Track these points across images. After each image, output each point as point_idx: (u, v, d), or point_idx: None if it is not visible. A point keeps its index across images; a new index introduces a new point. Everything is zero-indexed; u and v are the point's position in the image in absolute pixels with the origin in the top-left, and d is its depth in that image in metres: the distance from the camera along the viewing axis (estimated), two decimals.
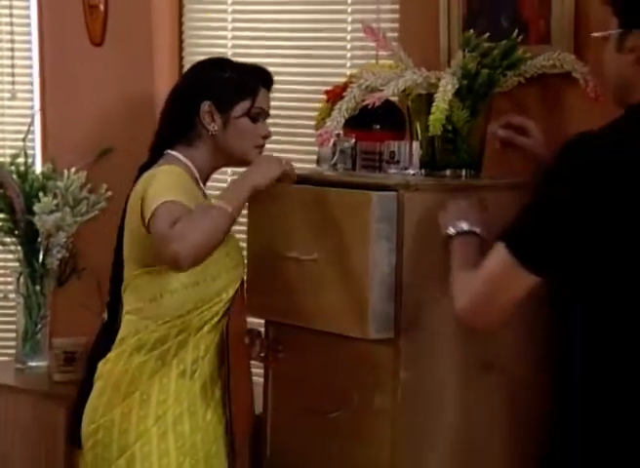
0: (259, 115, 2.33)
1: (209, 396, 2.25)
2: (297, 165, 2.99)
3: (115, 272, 2.33)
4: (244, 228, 2.44)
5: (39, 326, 3.32)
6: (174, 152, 2.30)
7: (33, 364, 3.33)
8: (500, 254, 1.83)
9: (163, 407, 2.19)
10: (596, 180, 1.73)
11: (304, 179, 2.42)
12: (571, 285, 1.83)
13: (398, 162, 2.34)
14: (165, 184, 2.17)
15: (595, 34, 1.99)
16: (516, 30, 2.46)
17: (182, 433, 2.20)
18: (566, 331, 1.90)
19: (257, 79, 2.34)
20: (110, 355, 2.26)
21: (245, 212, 2.38)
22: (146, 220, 2.13)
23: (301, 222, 2.33)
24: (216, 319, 2.24)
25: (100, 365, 2.27)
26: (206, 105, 2.27)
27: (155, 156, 2.32)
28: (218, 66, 2.34)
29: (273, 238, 2.39)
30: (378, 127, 2.51)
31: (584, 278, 1.81)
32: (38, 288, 3.30)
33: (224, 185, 2.62)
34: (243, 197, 2.19)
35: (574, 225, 1.76)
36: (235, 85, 2.30)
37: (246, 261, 2.41)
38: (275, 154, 3.06)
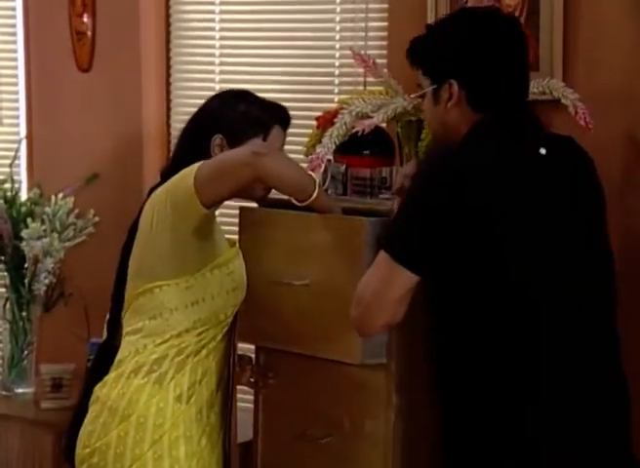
0: None
1: (204, 421, 2.25)
2: None
3: (116, 292, 2.32)
4: None
5: (25, 352, 3.31)
6: None
7: (20, 390, 3.30)
8: (378, 258, 2.00)
9: (159, 431, 2.18)
10: (454, 182, 1.94)
11: (296, 205, 2.42)
12: (442, 282, 1.98)
13: (390, 187, 2.36)
14: (189, 168, 2.17)
15: (413, 95, 2.24)
16: None
17: (178, 458, 2.19)
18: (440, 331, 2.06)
19: (272, 116, 2.33)
20: (108, 378, 2.24)
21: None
22: (192, 187, 2.11)
23: (294, 248, 2.34)
24: (213, 343, 2.24)
25: (97, 388, 2.25)
26: (217, 139, 2.28)
27: (167, 179, 2.29)
28: (235, 99, 2.34)
29: (265, 263, 2.39)
30: (368, 153, 2.53)
31: (454, 274, 1.96)
32: (25, 313, 3.29)
33: None
34: (323, 202, 2.23)
35: (439, 222, 1.94)
36: (249, 120, 2.30)
37: None
38: None
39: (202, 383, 2.24)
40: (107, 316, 2.35)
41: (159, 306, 2.21)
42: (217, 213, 2.27)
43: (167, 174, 2.30)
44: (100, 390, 2.24)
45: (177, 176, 2.19)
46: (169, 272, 2.19)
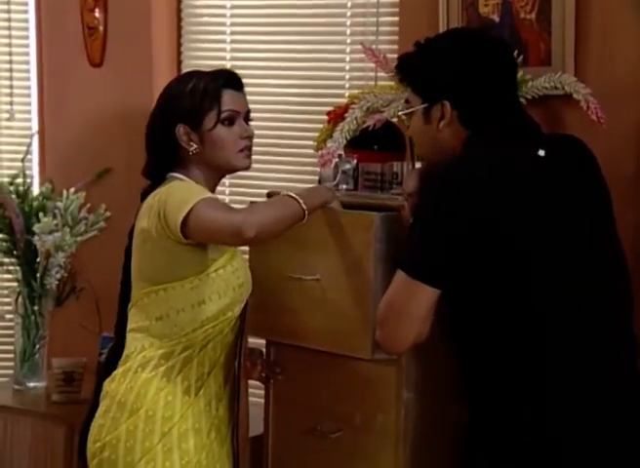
0: (232, 118, 2.25)
1: (213, 414, 2.25)
2: (297, 185, 3.03)
3: (123, 291, 2.32)
4: (246, 248, 2.46)
5: (37, 346, 3.31)
6: (178, 175, 2.28)
7: (32, 384, 3.31)
8: (396, 277, 1.99)
9: (168, 424, 2.18)
10: (460, 192, 1.95)
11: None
12: (459, 290, 1.98)
13: (401, 183, 2.35)
14: (188, 191, 2.17)
15: (401, 112, 2.24)
16: (516, 52, 2.48)
17: (187, 450, 2.20)
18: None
19: (216, 83, 2.26)
20: (116, 373, 2.25)
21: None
22: (178, 225, 2.11)
23: (304, 243, 2.34)
24: (220, 337, 2.24)
25: (106, 383, 2.26)
26: (181, 128, 2.24)
27: (157, 180, 2.29)
28: (177, 86, 2.30)
29: (275, 258, 2.39)
30: (378, 147, 2.53)
31: (471, 281, 1.96)
32: (36, 308, 3.29)
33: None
34: (315, 203, 2.21)
35: (452, 233, 1.94)
36: (197, 97, 2.24)
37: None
38: (274, 175, 3.12)
39: (210, 376, 2.24)
40: (116, 318, 2.35)
41: (165, 307, 2.21)
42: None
43: (151, 174, 2.30)
44: (108, 385, 2.25)
45: (170, 203, 2.14)
46: (170, 277, 2.19)
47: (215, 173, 2.30)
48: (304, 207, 2.16)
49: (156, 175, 2.30)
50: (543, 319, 1.96)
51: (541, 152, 2.02)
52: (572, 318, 1.98)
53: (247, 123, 2.31)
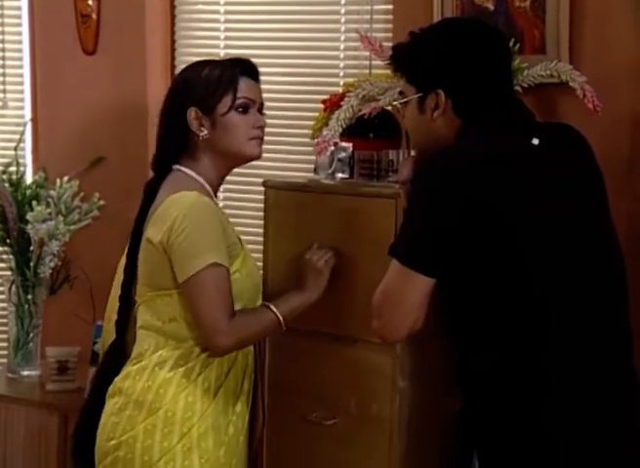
0: (246, 106, 2.24)
1: (230, 411, 2.24)
2: (292, 173, 3.03)
3: (125, 291, 2.28)
4: (259, 230, 2.46)
5: (31, 335, 3.31)
6: (184, 168, 2.25)
7: (25, 373, 3.31)
8: (391, 267, 1.99)
9: (188, 424, 2.16)
10: (454, 180, 1.94)
11: (303, 188, 2.43)
12: (455, 278, 1.98)
13: (396, 170, 2.35)
14: (201, 232, 2.12)
15: (395, 102, 2.23)
16: (511, 40, 2.48)
17: (207, 449, 2.18)
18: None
19: (234, 70, 2.25)
20: (129, 370, 2.20)
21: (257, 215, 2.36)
22: (185, 276, 2.12)
23: (319, 229, 2.34)
24: None
25: (119, 380, 2.21)
26: (192, 112, 2.22)
27: (161, 172, 2.26)
28: (194, 70, 2.28)
29: (289, 244, 2.39)
30: (374, 136, 2.53)
31: (465, 271, 1.96)
32: (30, 296, 3.29)
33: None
34: (298, 312, 2.24)
35: (445, 222, 1.94)
36: (213, 82, 2.22)
37: (262, 264, 2.44)
38: (269, 164, 3.11)
39: (229, 375, 2.23)
40: (115, 317, 2.31)
41: (178, 310, 2.18)
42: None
43: (158, 164, 2.27)
44: (122, 382, 2.21)
45: (180, 248, 2.12)
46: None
47: (224, 161, 2.26)
48: (282, 323, 2.20)
49: (163, 165, 2.25)
50: (541, 309, 1.96)
51: (535, 141, 2.02)
52: (572, 307, 1.98)
53: (261, 114, 2.30)
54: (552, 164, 2.04)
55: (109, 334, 2.32)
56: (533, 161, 2.01)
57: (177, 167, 2.25)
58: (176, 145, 2.25)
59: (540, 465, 1.96)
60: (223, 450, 2.21)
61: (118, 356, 2.26)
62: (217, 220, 2.16)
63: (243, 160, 2.31)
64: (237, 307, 2.20)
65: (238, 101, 2.23)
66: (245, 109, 2.24)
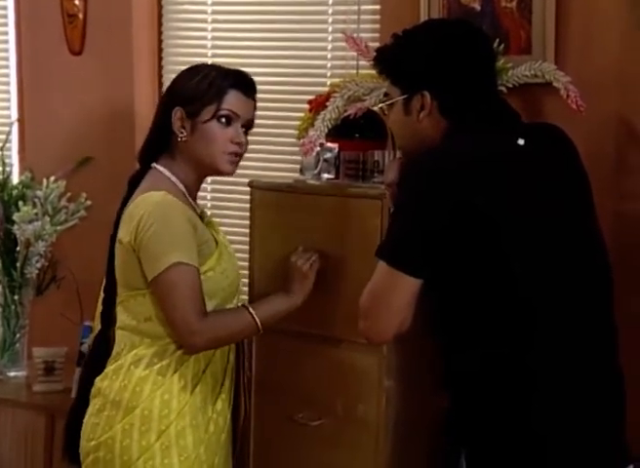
0: (229, 119, 2.21)
1: (210, 409, 2.23)
2: (278, 174, 3.03)
3: (108, 282, 2.28)
4: (244, 230, 2.44)
5: (18, 335, 3.31)
6: (160, 167, 2.25)
7: (12, 374, 3.31)
8: (378, 268, 1.99)
9: (165, 421, 2.16)
10: (440, 181, 1.95)
11: (289, 188, 2.43)
12: (441, 279, 1.99)
13: (382, 171, 2.36)
14: (166, 231, 2.11)
15: (381, 104, 2.21)
16: (497, 40, 2.49)
17: (186, 447, 2.18)
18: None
19: (227, 81, 2.23)
20: (107, 370, 2.21)
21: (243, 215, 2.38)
22: (151, 275, 2.12)
23: (305, 230, 2.34)
24: None
25: (98, 380, 2.22)
26: (178, 112, 2.21)
27: (144, 168, 2.28)
28: (190, 72, 2.27)
29: (276, 245, 2.39)
30: (359, 136, 2.53)
31: (452, 271, 1.97)
32: (17, 297, 3.28)
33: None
34: (280, 315, 2.24)
35: (431, 223, 1.94)
36: (203, 89, 2.21)
37: (248, 264, 2.44)
38: (255, 164, 3.11)
39: (206, 372, 2.23)
40: (100, 307, 2.32)
41: (152, 309, 2.18)
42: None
43: (141, 161, 2.28)
44: (100, 382, 2.22)
45: (147, 248, 2.12)
46: None
47: (196, 169, 2.25)
48: (260, 326, 2.20)
49: (146, 160, 2.27)
50: (526, 309, 1.96)
51: (521, 141, 2.02)
52: (557, 307, 1.98)
53: (246, 133, 2.27)
54: (538, 164, 2.04)
55: None
56: (519, 161, 2.02)
57: (154, 165, 2.26)
58: (158, 142, 2.26)
59: (527, 464, 1.96)
60: (203, 448, 2.21)
61: (102, 356, 2.26)
62: (183, 219, 2.15)
63: (213, 172, 2.29)
64: (211, 305, 2.19)
65: (221, 112, 2.21)
66: (228, 122, 2.22)
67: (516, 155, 2.02)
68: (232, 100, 2.23)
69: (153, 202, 2.15)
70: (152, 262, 2.12)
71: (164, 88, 3.31)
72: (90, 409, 2.22)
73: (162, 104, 2.29)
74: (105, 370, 2.22)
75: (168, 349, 2.19)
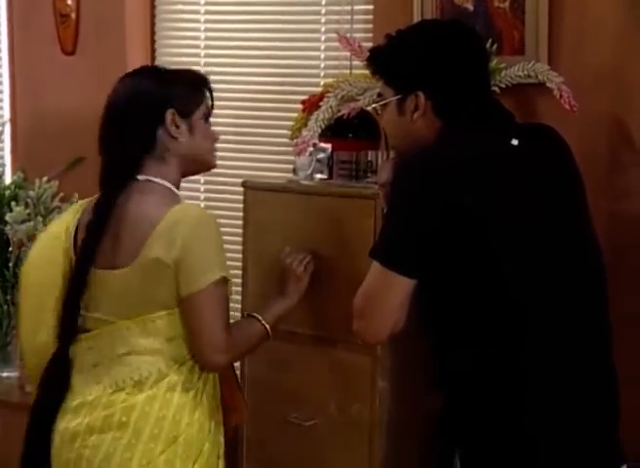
0: (208, 117, 2.23)
1: (219, 419, 2.21)
2: (272, 174, 3.02)
3: (74, 305, 2.12)
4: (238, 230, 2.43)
5: (10, 336, 3.29)
6: (152, 178, 2.13)
7: (4, 374, 3.30)
8: (372, 268, 1.99)
9: (201, 445, 2.11)
10: (433, 181, 1.95)
11: (282, 188, 2.43)
12: (434, 280, 1.98)
13: (375, 171, 2.36)
14: (211, 246, 2.08)
15: (374, 105, 2.21)
16: (490, 41, 2.49)
17: (212, 465, 2.15)
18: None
19: (203, 82, 2.23)
20: (135, 400, 2.07)
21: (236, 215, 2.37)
22: (191, 289, 2.05)
23: (299, 229, 2.34)
24: None
25: (121, 411, 2.07)
26: (169, 114, 2.14)
27: (122, 182, 2.12)
28: (160, 74, 2.22)
29: (270, 244, 2.39)
30: (353, 136, 2.53)
31: (445, 272, 1.96)
32: (9, 297, 3.27)
33: None
34: (281, 319, 2.25)
35: (425, 222, 1.94)
36: (191, 89, 2.19)
37: (241, 264, 2.43)
38: (249, 164, 3.11)
39: (215, 387, 2.19)
40: (49, 323, 2.14)
41: (180, 329, 2.10)
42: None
43: (121, 175, 2.14)
44: (125, 414, 2.07)
45: (190, 262, 2.05)
46: None
47: (185, 169, 2.20)
48: (270, 333, 2.21)
49: (126, 174, 2.13)
50: (517, 310, 1.96)
51: (515, 141, 2.03)
52: (549, 308, 1.98)
53: None
54: (530, 165, 2.04)
55: (39, 354, 2.17)
56: (510, 162, 2.02)
57: (143, 177, 2.14)
58: (144, 151, 2.14)
59: (518, 464, 1.96)
60: (221, 464, 2.19)
61: (63, 369, 2.13)
62: (219, 232, 2.12)
63: (204, 168, 2.28)
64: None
65: (207, 111, 2.21)
66: (207, 119, 2.22)
67: (508, 155, 2.02)
68: (209, 98, 2.24)
69: (195, 217, 2.10)
70: (194, 277, 2.05)
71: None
72: (113, 443, 2.07)
73: (142, 108, 2.16)
74: (132, 402, 2.07)
75: (194, 371, 2.12)
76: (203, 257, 2.06)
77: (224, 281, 2.07)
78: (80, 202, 2.30)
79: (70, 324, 2.13)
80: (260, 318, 2.20)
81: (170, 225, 2.06)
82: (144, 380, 2.08)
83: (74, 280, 2.12)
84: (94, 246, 2.10)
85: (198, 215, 2.10)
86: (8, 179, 3.41)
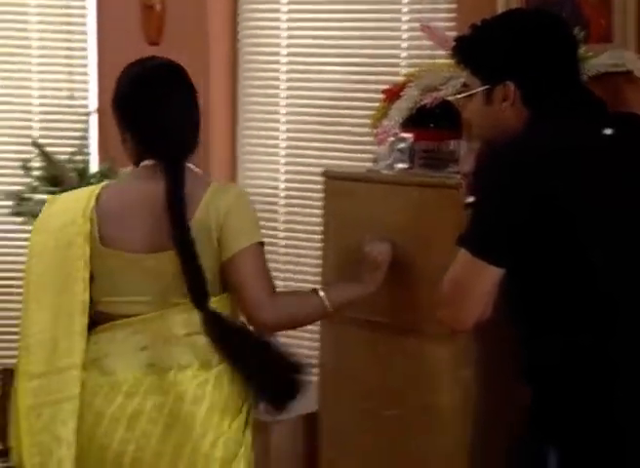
0: None
1: None
2: (352, 163, 3.02)
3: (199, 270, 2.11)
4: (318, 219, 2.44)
5: None
6: (192, 166, 2.16)
7: None
8: (459, 256, 1.97)
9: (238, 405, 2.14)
10: (522, 169, 1.92)
11: (363, 178, 2.43)
12: (523, 269, 1.96)
13: (457, 161, 2.34)
14: (253, 216, 2.14)
15: (461, 95, 2.17)
16: (576, 29, 2.44)
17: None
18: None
19: None
20: (207, 376, 2.10)
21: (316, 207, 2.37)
22: (236, 249, 2.08)
23: (379, 218, 2.34)
24: None
25: (196, 385, 2.10)
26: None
27: (180, 168, 2.13)
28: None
29: (349, 232, 2.39)
30: (434, 126, 2.51)
31: (534, 261, 1.94)
32: None
33: None
34: (347, 304, 2.23)
35: (513, 212, 1.92)
36: None
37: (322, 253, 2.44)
38: (329, 153, 3.11)
39: None
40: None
41: (226, 309, 2.12)
42: None
43: (179, 159, 2.14)
44: (209, 389, 2.10)
45: (237, 223, 2.09)
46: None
47: None
48: (328, 309, 2.17)
49: (182, 159, 2.15)
50: (609, 299, 1.94)
51: (608, 131, 1.99)
52: (636, 298, 1.95)
53: None
54: (622, 154, 2.00)
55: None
56: (601, 151, 1.99)
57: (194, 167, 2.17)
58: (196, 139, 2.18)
59: (607, 456, 1.93)
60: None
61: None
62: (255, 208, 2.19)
63: None
64: None
65: None
66: None
67: (599, 144, 1.99)
68: None
69: (237, 191, 2.16)
70: (239, 237, 2.09)
71: (240, 79, 3.36)
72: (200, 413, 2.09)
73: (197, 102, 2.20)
74: (205, 377, 2.11)
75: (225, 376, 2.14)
76: (244, 222, 2.11)
77: (263, 246, 2.11)
78: (90, 188, 2.30)
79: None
80: (320, 292, 2.19)
81: (214, 199, 2.10)
82: (210, 360, 2.10)
83: (190, 270, 2.10)
84: (189, 237, 2.10)
85: (238, 190, 2.17)
86: (95, 168, 3.46)
